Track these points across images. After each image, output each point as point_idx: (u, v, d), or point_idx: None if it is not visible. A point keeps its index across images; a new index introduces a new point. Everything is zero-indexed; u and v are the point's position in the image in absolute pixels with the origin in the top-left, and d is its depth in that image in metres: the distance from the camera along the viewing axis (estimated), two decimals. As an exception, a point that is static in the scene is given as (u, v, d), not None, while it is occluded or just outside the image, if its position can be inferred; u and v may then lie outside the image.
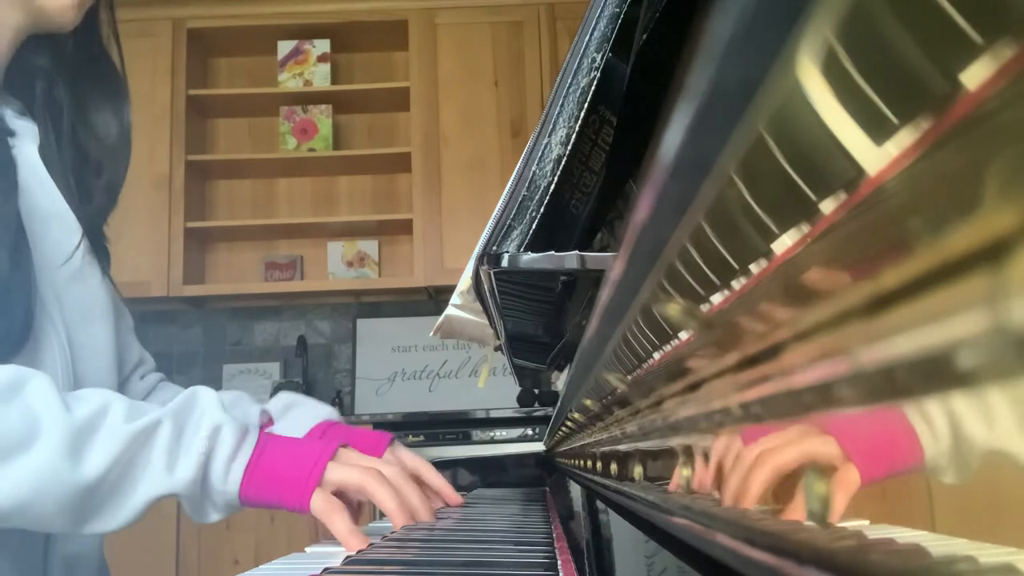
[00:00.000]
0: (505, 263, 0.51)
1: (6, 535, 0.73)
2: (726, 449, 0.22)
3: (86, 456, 0.67)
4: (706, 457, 0.24)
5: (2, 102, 0.82)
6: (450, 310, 0.78)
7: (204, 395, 0.76)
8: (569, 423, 0.79)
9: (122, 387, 0.94)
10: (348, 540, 0.73)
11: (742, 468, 0.20)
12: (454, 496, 0.97)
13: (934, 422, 0.11)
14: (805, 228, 0.14)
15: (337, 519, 0.74)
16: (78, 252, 0.84)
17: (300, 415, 0.94)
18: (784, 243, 0.15)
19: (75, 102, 0.89)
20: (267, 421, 0.86)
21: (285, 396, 0.97)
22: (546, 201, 0.53)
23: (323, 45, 3.11)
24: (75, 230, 0.85)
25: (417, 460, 0.94)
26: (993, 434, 0.10)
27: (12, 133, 0.80)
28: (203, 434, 0.72)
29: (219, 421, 0.74)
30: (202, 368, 3.10)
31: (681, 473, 0.27)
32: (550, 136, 0.53)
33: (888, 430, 0.12)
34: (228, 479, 0.73)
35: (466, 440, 2.60)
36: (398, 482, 0.80)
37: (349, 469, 0.77)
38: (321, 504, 0.74)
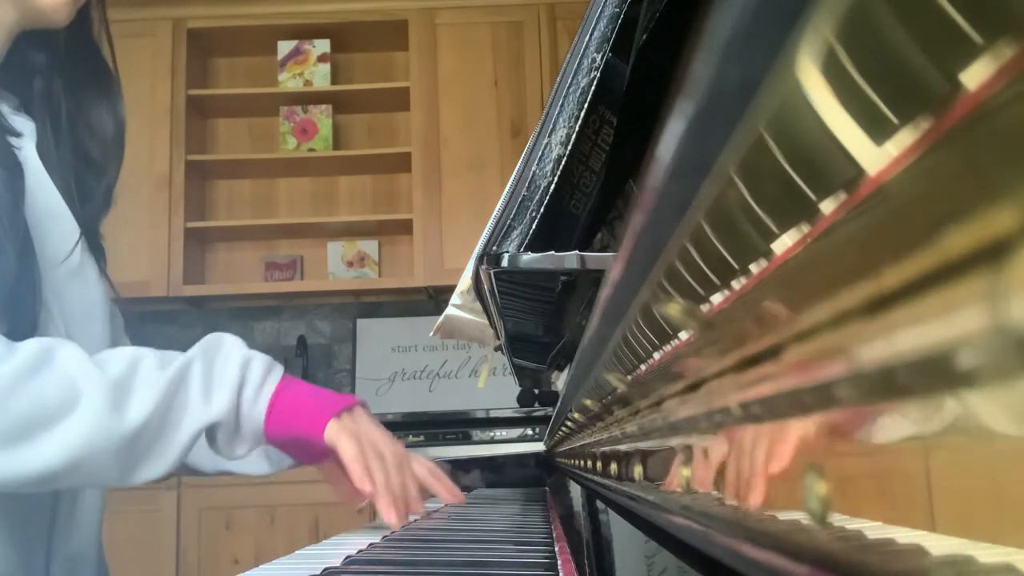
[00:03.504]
0: (505, 263, 0.51)
1: (9, 536, 0.74)
2: (729, 476, 0.22)
3: (129, 407, 0.70)
4: (706, 457, 0.24)
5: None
6: (450, 310, 0.78)
7: (229, 337, 0.81)
8: (569, 423, 0.79)
9: None
10: (353, 465, 0.78)
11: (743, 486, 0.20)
12: (458, 496, 0.98)
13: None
14: (805, 228, 0.14)
15: (346, 442, 0.78)
16: (76, 251, 0.84)
17: None
18: (784, 243, 0.15)
19: (72, 99, 0.89)
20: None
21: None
22: (546, 201, 0.52)
23: (323, 45, 3.11)
24: (73, 229, 0.85)
25: (423, 467, 0.92)
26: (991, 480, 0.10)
27: (18, 134, 0.80)
28: (234, 364, 0.77)
29: (248, 355, 0.79)
30: (202, 368, 3.09)
31: (681, 473, 0.27)
32: (550, 136, 0.53)
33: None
34: (256, 407, 0.78)
35: (466, 440, 2.60)
36: (389, 470, 0.82)
37: (365, 431, 0.81)
38: (333, 430, 0.79)
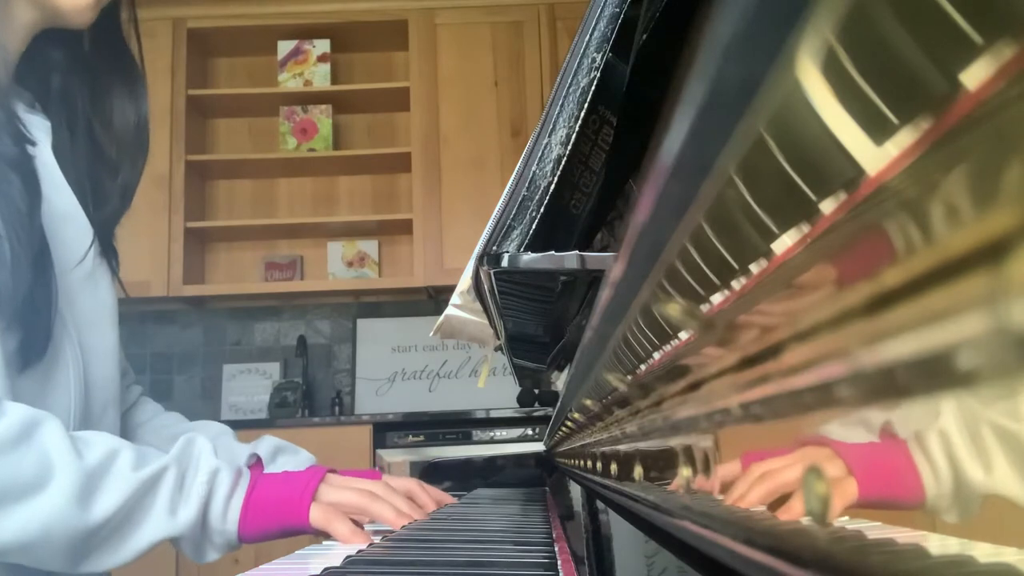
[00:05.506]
0: (505, 263, 0.51)
1: None
2: (730, 475, 0.22)
3: (95, 501, 0.69)
4: (706, 457, 0.24)
5: (14, 95, 0.81)
6: (450, 310, 0.78)
7: (200, 442, 0.80)
8: (569, 423, 0.79)
9: None
10: (351, 540, 0.77)
11: (744, 488, 0.20)
12: (449, 501, 1.01)
13: (937, 464, 0.11)
14: (805, 228, 0.14)
15: (338, 524, 0.79)
16: (90, 254, 0.83)
17: (286, 463, 0.96)
18: (784, 243, 0.15)
19: (91, 96, 0.88)
20: (256, 463, 0.86)
21: (270, 440, 0.97)
22: (546, 201, 0.52)
23: (323, 45, 3.11)
24: (87, 231, 0.84)
25: (408, 482, 0.96)
26: (992, 478, 0.10)
27: (34, 143, 0.79)
28: (202, 478, 0.76)
29: (216, 465, 0.78)
30: (202, 368, 3.09)
31: (681, 473, 0.27)
32: (550, 136, 0.53)
33: (892, 463, 0.13)
34: (227, 518, 0.77)
35: (466, 440, 2.60)
36: (388, 495, 0.85)
37: (341, 491, 0.82)
38: (319, 514, 0.79)
